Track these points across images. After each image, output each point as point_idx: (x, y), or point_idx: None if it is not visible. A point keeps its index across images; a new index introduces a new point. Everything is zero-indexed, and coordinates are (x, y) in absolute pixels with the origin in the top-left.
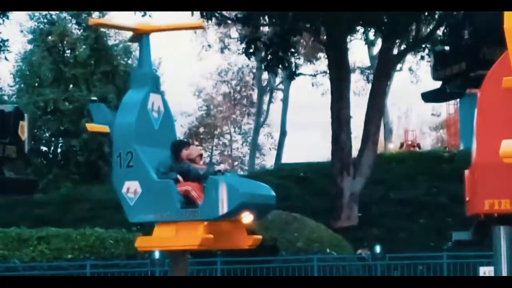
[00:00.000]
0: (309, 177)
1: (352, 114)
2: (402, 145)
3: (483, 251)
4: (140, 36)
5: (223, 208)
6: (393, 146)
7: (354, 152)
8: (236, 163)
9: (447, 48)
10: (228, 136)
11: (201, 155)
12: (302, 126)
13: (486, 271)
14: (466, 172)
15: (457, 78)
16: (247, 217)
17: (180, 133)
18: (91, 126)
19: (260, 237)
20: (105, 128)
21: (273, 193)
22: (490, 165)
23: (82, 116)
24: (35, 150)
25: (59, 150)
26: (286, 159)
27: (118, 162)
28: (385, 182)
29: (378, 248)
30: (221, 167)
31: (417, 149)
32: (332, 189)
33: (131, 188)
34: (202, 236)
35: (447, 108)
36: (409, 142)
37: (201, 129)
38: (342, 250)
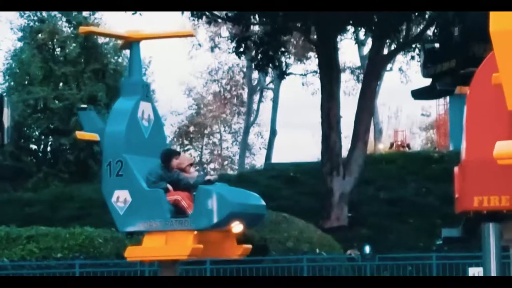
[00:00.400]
0: (298, 177)
1: (342, 114)
2: (392, 145)
3: (472, 251)
4: (131, 43)
5: (213, 218)
6: (383, 146)
7: (344, 152)
8: (226, 162)
9: (437, 45)
10: (218, 135)
11: (191, 164)
12: (292, 125)
13: (475, 272)
14: (456, 169)
15: (447, 75)
16: (237, 227)
17: (170, 132)
18: (80, 134)
19: (250, 246)
20: (95, 136)
21: (263, 203)
22: (479, 162)
23: (72, 114)
24: (24, 149)
25: (48, 148)
26: (276, 158)
27: (108, 171)
28: (375, 182)
29: (367, 249)
30: (211, 176)
31: (406, 149)
32: (322, 189)
33: (120, 197)
34: (192, 246)
35: (437, 109)
36: (399, 142)
37: (191, 128)
38: (331, 251)
